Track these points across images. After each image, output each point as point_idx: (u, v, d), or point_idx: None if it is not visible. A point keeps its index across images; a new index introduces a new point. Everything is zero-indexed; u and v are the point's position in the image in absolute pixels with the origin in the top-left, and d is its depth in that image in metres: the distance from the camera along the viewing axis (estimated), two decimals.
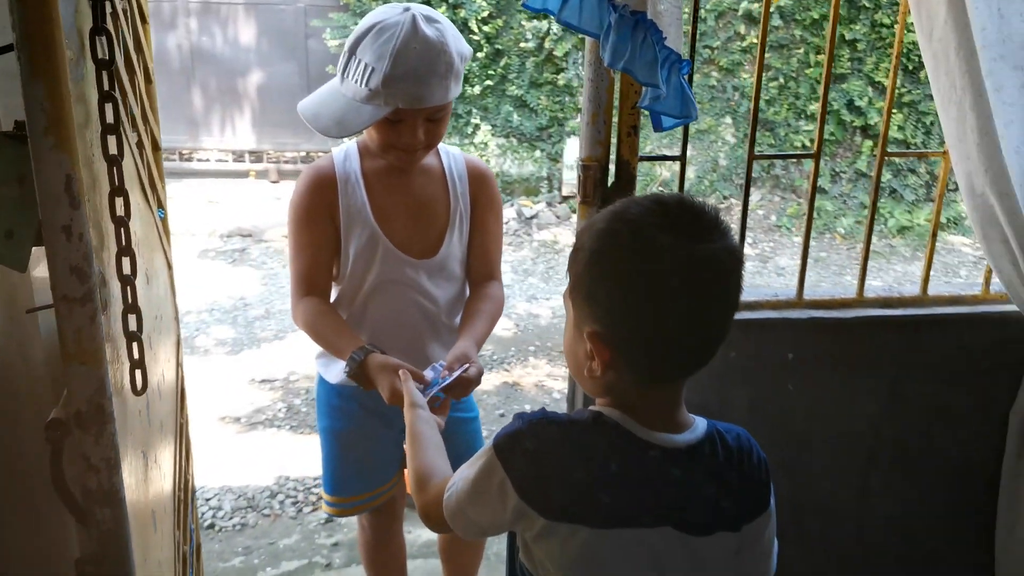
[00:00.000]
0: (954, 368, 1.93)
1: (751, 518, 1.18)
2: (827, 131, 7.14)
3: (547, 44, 6.79)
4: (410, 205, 1.78)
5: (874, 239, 6.77)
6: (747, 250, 6.83)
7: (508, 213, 6.96)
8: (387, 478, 1.95)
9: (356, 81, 1.63)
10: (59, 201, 0.95)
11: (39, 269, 1.15)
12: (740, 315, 1.80)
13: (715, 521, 1.15)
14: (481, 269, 1.86)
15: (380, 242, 1.75)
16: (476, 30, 6.65)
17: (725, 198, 7.38)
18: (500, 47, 6.81)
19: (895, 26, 6.76)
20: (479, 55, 6.66)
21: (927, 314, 1.91)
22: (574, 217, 6.97)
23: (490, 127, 6.93)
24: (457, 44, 1.64)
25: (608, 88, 1.72)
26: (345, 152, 1.80)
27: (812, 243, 7.06)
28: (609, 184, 1.77)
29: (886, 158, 1.94)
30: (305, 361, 4.39)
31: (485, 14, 6.62)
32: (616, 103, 1.74)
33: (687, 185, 7.20)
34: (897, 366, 1.91)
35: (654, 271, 1.06)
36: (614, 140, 1.76)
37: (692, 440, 1.15)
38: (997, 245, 1.77)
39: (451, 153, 1.85)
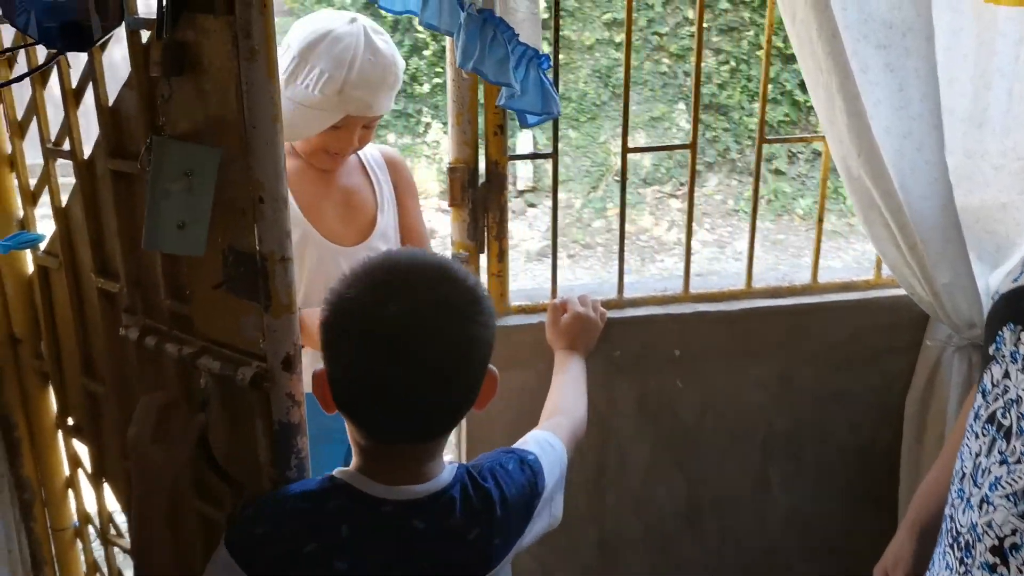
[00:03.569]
0: (846, 355, 1.89)
1: (517, 540, 1.18)
2: (782, 112, 7.12)
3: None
4: (337, 198, 1.87)
5: (834, 218, 6.81)
6: (705, 235, 6.82)
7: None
8: None
9: (308, 87, 1.69)
10: (279, 177, 1.14)
11: None
12: (622, 312, 1.78)
13: (490, 558, 1.13)
14: (413, 245, 1.97)
15: (311, 237, 1.81)
16: (421, 28, 6.58)
17: (682, 184, 7.35)
18: (447, 44, 6.74)
19: None
20: (426, 53, 6.61)
21: (817, 302, 1.87)
22: (529, 211, 6.94)
23: (441, 125, 6.88)
24: (399, 58, 1.77)
25: (471, 87, 1.67)
26: None
27: (771, 225, 7.08)
28: (479, 185, 1.72)
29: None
30: None
31: None
32: (482, 102, 1.70)
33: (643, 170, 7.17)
34: (786, 355, 1.88)
35: (359, 341, 1.06)
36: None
37: (434, 489, 1.11)
38: (879, 229, 1.74)
39: (368, 150, 1.95)
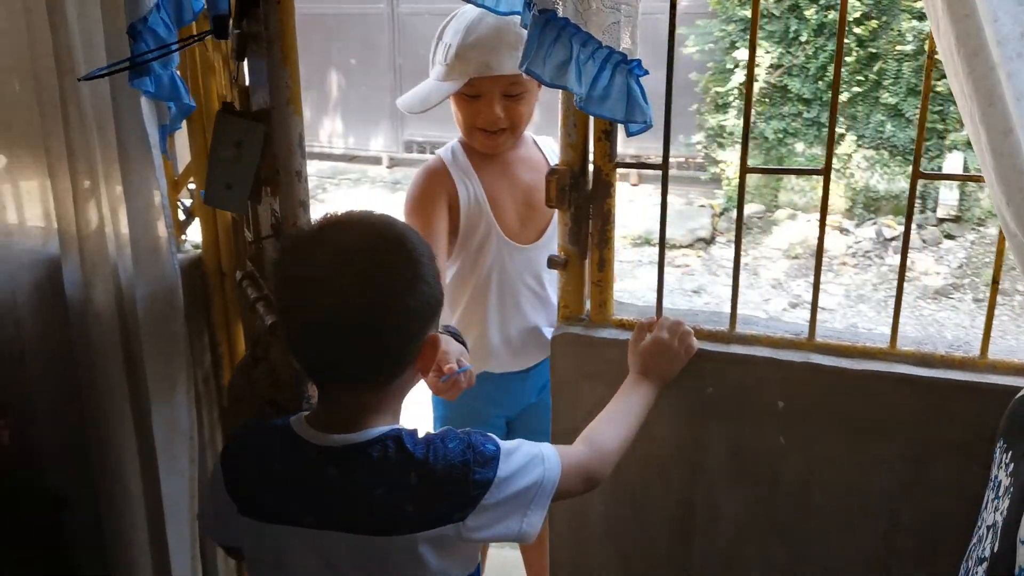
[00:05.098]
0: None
1: (446, 520, 1.14)
2: None
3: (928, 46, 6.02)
4: (519, 195, 1.97)
5: None
6: None
7: (864, 232, 6.35)
8: None
9: (439, 63, 1.86)
10: (293, 153, 1.32)
11: None
12: (726, 347, 1.62)
13: (396, 522, 1.14)
14: None
15: (494, 232, 1.94)
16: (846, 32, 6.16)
17: None
18: (874, 50, 6.21)
19: None
20: (848, 59, 6.15)
21: (974, 381, 1.51)
22: (945, 243, 6.15)
23: (856, 137, 6.37)
24: None
25: None
26: (451, 149, 2.00)
27: None
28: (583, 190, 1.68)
29: None
30: None
31: (858, 14, 6.08)
32: None
33: None
34: (924, 437, 1.54)
35: (284, 280, 1.18)
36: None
37: (355, 440, 1.17)
38: None
39: (548, 144, 2.03)
